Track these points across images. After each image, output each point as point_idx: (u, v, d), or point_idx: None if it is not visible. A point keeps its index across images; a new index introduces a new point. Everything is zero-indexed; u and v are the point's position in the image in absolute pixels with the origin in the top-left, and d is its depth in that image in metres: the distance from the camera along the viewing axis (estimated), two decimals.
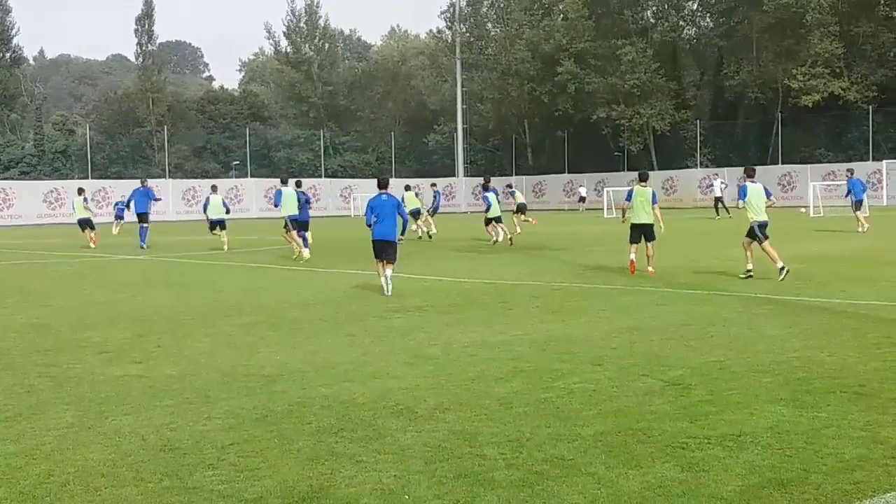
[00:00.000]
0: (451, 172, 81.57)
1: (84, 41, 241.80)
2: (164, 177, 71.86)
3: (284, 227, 25.05)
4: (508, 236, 28.90)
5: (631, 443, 6.37)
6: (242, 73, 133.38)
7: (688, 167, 71.02)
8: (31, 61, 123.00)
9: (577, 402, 7.56)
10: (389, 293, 15.54)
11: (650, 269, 17.94)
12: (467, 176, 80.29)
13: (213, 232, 29.56)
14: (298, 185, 27.33)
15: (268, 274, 20.75)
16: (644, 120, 71.47)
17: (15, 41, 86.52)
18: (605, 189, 58.63)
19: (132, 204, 32.53)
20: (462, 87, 79.25)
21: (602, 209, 57.56)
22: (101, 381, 8.83)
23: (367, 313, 13.31)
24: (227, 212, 29.77)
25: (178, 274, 21.23)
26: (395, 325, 12.07)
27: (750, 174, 17.77)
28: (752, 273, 16.80)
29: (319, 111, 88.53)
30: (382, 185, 17.15)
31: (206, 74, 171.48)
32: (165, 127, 78.38)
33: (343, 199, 73.21)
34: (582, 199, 70.97)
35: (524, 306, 13.81)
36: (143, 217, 31.80)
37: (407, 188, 36.28)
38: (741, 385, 8.09)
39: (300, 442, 6.53)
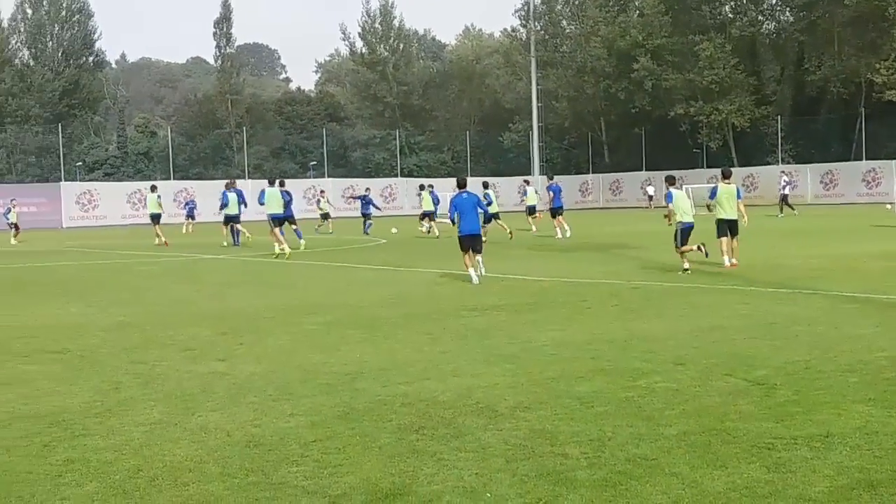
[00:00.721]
0: (527, 171, 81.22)
1: (164, 45, 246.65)
2: (244, 177, 72.84)
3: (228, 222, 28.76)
4: (508, 231, 30.59)
5: (715, 443, 6.28)
6: (319, 75, 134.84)
7: (768, 164, 69.83)
8: (114, 65, 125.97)
9: (659, 402, 7.48)
10: (483, 273, 17.81)
11: (734, 261, 18.67)
12: (543, 174, 79.99)
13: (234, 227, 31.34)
14: (282, 184, 28.25)
15: (347, 272, 20.93)
16: (723, 116, 70.48)
17: (97, 45, 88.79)
18: (684, 186, 57.94)
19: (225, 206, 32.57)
20: (537, 84, 78.93)
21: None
22: (186, 378, 8.99)
23: (446, 312, 13.35)
24: (287, 204, 29.00)
25: (258, 273, 21.53)
26: (473, 324, 12.08)
27: (726, 175, 19.93)
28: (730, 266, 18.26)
29: (395, 111, 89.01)
30: (461, 184, 18.87)
31: (283, 76, 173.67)
32: (244, 128, 79.49)
33: (419, 198, 73.43)
34: (650, 198, 70.59)
35: (603, 305, 13.71)
36: (234, 218, 32.14)
37: (421, 187, 37.74)
38: (827, 385, 7.93)
39: (382, 439, 6.58)
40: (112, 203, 62.68)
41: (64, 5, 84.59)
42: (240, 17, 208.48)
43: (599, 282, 17.00)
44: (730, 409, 7.18)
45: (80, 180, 70.44)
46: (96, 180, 72.28)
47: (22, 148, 79.64)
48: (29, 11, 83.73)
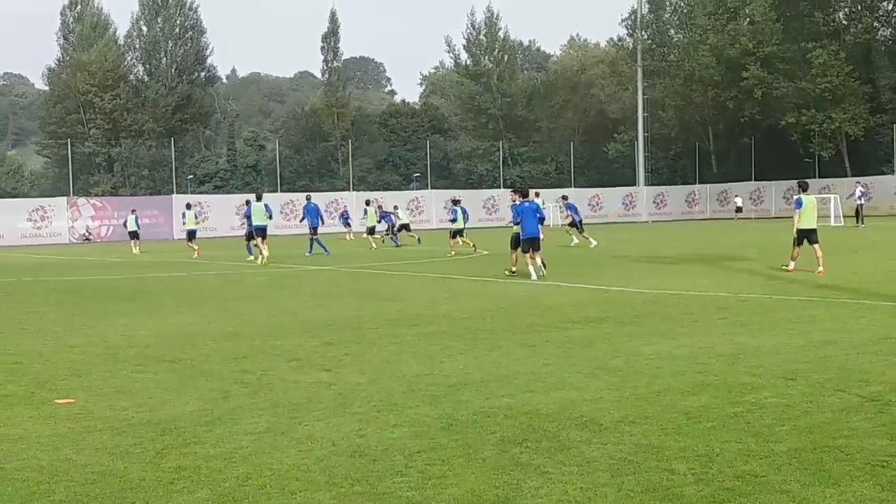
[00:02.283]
0: (632, 181, 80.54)
1: (273, 60, 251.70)
2: (349, 189, 73.82)
3: (250, 237, 31.13)
4: (472, 246, 31.47)
5: (827, 460, 6.11)
6: (423, 87, 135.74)
7: (884, 173, 67.78)
8: (224, 80, 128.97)
9: (768, 418, 7.31)
10: (544, 272, 20.94)
11: (820, 269, 19.69)
12: (648, 185, 79.12)
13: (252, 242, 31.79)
14: (259, 198, 31.53)
15: (448, 284, 21.00)
16: (836, 125, 68.65)
17: (209, 61, 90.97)
18: (795, 197, 56.63)
19: (306, 219, 35.51)
20: (643, 94, 78.20)
21: (791, 217, 55.54)
22: (292, 387, 9.13)
23: (548, 324, 13.28)
24: (270, 218, 31.49)
25: (362, 284, 21.76)
26: (576, 336, 12.00)
27: (805, 187, 22.25)
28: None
29: (498, 122, 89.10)
30: (524, 194, 22.66)
31: (388, 89, 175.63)
32: (349, 141, 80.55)
33: (365, 213, 73.18)
34: (738, 209, 69.71)
35: (710, 318, 13.47)
36: (314, 230, 34.88)
37: (367, 203, 39.44)
38: None
39: (485, 451, 6.57)
40: (221, 215, 64.11)
41: (177, 22, 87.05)
42: (347, 31, 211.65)
43: (706, 294, 16.70)
44: (842, 425, 6.98)
45: (191, 193, 72.29)
46: (206, 193, 74.08)
47: (136, 161, 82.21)
48: (144, 29, 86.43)
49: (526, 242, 21.18)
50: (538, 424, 7.30)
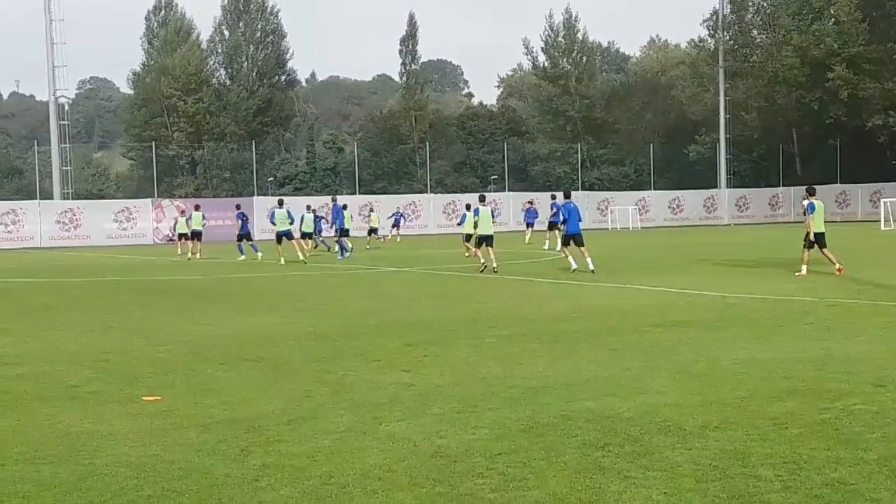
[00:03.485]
0: (713, 184, 79.42)
1: (352, 63, 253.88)
2: (426, 191, 74.09)
3: (278, 240, 32.51)
4: (466, 255, 29.58)
5: None
6: (500, 89, 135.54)
7: None
8: (304, 83, 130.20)
9: (858, 425, 7.14)
10: (593, 267, 23.07)
11: (838, 266, 20.87)
12: (730, 187, 77.97)
13: (280, 244, 32.60)
14: (281, 204, 34.68)
15: (526, 286, 20.94)
16: None
17: (289, 65, 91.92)
18: (882, 200, 55.36)
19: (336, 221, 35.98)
20: (725, 95, 77.08)
21: (879, 221, 54.31)
22: (373, 387, 9.18)
23: (629, 327, 13.16)
24: (292, 223, 33.73)
25: (439, 286, 21.81)
26: (658, 340, 11.86)
27: (812, 192, 22.86)
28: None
29: (577, 125, 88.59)
30: (567, 195, 26.22)
31: (465, 91, 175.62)
32: (427, 143, 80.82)
33: (600, 211, 72.85)
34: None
35: (796, 323, 13.21)
36: (345, 232, 35.50)
37: (308, 207, 40.87)
38: None
39: (567, 455, 6.53)
40: (300, 217, 64.71)
41: (258, 27, 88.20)
42: (425, 34, 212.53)
43: (792, 298, 16.40)
44: None
45: (272, 195, 73.26)
46: (286, 195, 75.02)
47: (218, 164, 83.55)
48: (226, 33, 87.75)
49: (569, 238, 24.66)
50: (620, 428, 7.23)
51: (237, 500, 5.70)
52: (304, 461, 6.50)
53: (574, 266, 23.71)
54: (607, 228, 68.00)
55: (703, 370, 9.65)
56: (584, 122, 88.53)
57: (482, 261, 25.91)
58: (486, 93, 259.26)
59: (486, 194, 34.66)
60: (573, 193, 30.87)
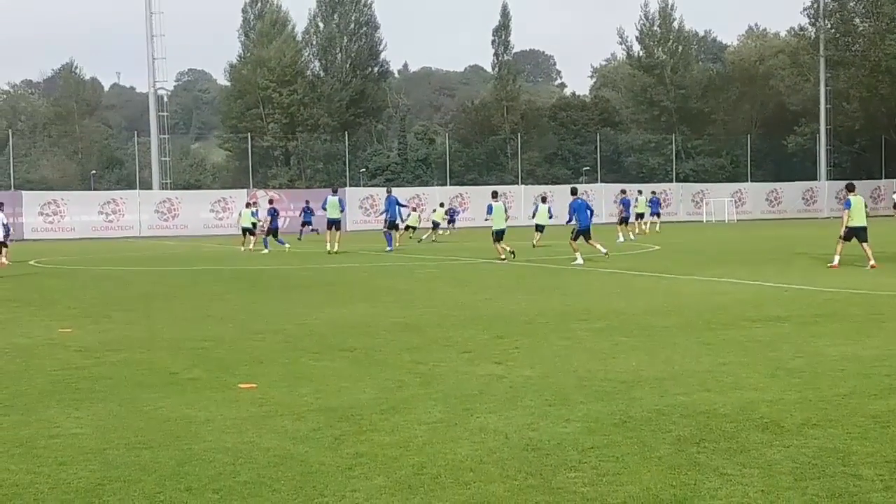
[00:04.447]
0: (813, 176, 77.67)
1: (444, 54, 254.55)
2: (517, 183, 73.90)
3: (329, 227, 33.17)
4: (503, 255, 27.84)
5: None
6: (594, 79, 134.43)
7: None
8: (396, 75, 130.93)
9: None
10: (605, 252, 25.73)
11: (872, 262, 21.31)
12: (830, 179, 76.09)
13: (326, 231, 33.40)
14: (335, 192, 35.71)
15: (618, 279, 20.74)
16: None
17: (382, 56, 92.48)
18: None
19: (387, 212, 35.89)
20: (826, 85, 75.22)
21: None
22: (464, 379, 9.20)
23: (724, 322, 12.93)
24: (342, 211, 34.17)
25: (530, 278, 21.74)
26: (755, 335, 11.63)
27: (851, 188, 23.96)
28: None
29: (671, 115, 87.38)
30: (574, 192, 27.57)
31: (558, 82, 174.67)
32: (518, 134, 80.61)
33: (695, 203, 71.82)
34: None
35: None
36: (394, 224, 35.42)
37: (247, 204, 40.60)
38: None
39: (661, 450, 6.44)
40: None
41: (353, 18, 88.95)
42: (517, 24, 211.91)
43: (893, 293, 15.93)
44: None
45: (364, 186, 73.88)
46: (378, 186, 75.59)
47: (311, 155, 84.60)
48: (321, 25, 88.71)
49: (580, 233, 25.84)
50: (716, 424, 7.11)
51: (331, 488, 5.76)
52: (397, 451, 6.54)
53: (580, 261, 24.66)
54: (702, 221, 66.97)
55: (801, 366, 9.44)
56: (678, 113, 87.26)
57: (501, 255, 27.23)
58: (578, 83, 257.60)
59: (496, 189, 35.57)
60: (594, 188, 30.82)
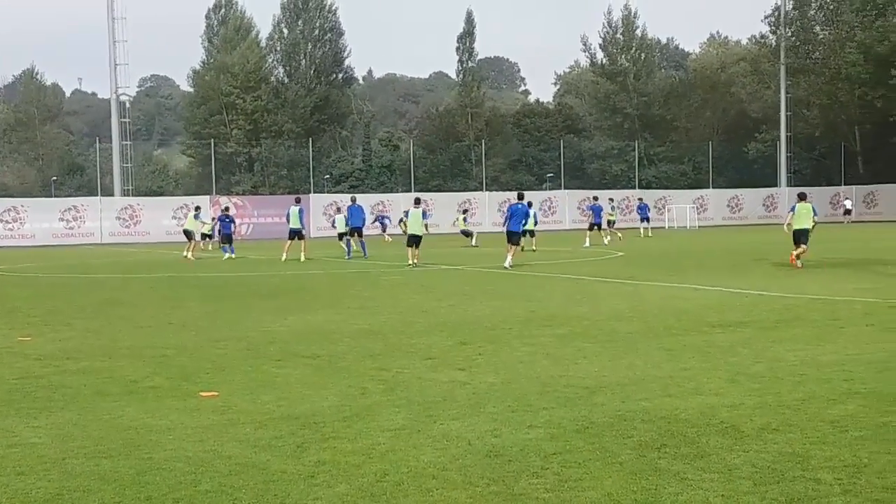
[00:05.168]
0: (773, 182, 78.40)
1: (409, 60, 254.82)
2: (482, 189, 74.02)
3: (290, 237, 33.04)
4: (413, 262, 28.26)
5: None
6: (557, 86, 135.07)
7: None
8: (361, 81, 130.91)
9: None
10: (510, 265, 25.69)
11: (798, 263, 23.44)
12: (790, 186, 76.85)
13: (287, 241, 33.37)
14: (353, 200, 35.77)
15: (581, 285, 20.83)
16: None
17: (347, 62, 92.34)
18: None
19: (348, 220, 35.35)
20: (787, 93, 76.01)
21: None
22: (427, 385, 9.20)
23: (685, 327, 13.03)
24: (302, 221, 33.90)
25: (492, 284, 21.77)
26: (715, 340, 11.73)
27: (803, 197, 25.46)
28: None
29: (634, 122, 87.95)
30: (520, 197, 28.37)
31: (522, 88, 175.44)
32: (483, 141, 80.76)
33: (657, 210, 72.26)
34: (847, 212, 67.84)
35: (857, 324, 12.98)
36: (358, 231, 34.46)
37: (198, 208, 40.51)
38: None
39: (622, 455, 6.48)
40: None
41: (317, 25, 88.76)
42: (482, 31, 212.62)
43: (852, 299, 16.12)
44: None
45: (328, 192, 73.67)
46: (342, 192, 75.42)
47: (275, 161, 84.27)
48: (285, 31, 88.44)
49: (509, 235, 26.89)
50: (677, 429, 7.16)
51: (293, 496, 5.74)
52: (360, 458, 6.53)
53: (509, 262, 25.88)
54: (664, 227, 67.38)
55: (761, 371, 9.53)
56: (641, 120, 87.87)
57: (410, 261, 27.77)
58: (542, 90, 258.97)
59: (419, 196, 36.13)
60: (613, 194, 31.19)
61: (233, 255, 35.67)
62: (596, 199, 46.58)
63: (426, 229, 33.31)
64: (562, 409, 7.95)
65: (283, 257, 32.35)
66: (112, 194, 66.56)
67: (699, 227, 67.98)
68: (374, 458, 6.55)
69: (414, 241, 28.46)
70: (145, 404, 8.53)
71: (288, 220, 33.93)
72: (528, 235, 35.10)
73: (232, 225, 38.21)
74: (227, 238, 36.96)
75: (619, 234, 45.44)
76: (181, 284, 23.70)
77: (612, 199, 52.34)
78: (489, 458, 6.50)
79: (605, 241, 41.52)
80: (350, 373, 10.01)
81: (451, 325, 13.93)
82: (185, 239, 37.82)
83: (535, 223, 37.11)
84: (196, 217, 38.73)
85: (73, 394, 9.10)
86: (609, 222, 45.61)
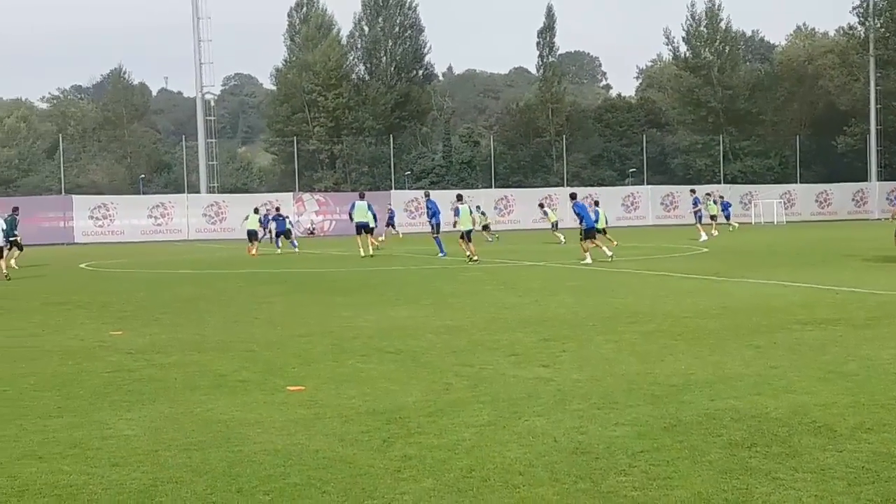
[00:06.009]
0: (863, 176, 76.63)
1: (489, 56, 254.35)
2: (562, 185, 73.64)
3: (357, 232, 32.96)
4: (472, 256, 28.78)
5: None
6: (639, 80, 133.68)
7: None
8: (441, 77, 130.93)
9: None
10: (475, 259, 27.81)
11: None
12: (881, 180, 75.00)
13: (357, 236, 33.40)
14: (362, 197, 34.72)
15: (666, 282, 20.59)
16: None
17: (427, 59, 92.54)
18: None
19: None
20: (876, 85, 74.14)
21: None
22: (512, 382, 9.17)
23: (775, 325, 12.78)
24: (375, 219, 34.01)
25: (577, 280, 21.64)
26: (806, 338, 11.48)
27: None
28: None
29: (719, 116, 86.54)
30: (573, 196, 28.58)
31: (603, 83, 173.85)
32: (564, 136, 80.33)
33: (743, 205, 71.13)
34: None
35: None
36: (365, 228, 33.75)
37: (256, 210, 41.08)
38: None
39: (712, 454, 6.38)
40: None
41: (397, 21, 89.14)
42: (562, 25, 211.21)
43: None
44: None
45: (408, 188, 74.03)
46: (423, 188, 75.70)
47: (357, 158, 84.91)
48: (366, 28, 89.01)
49: (588, 231, 27.09)
50: (767, 428, 7.03)
51: (380, 490, 5.77)
52: (445, 453, 6.55)
53: (589, 260, 26.23)
54: (751, 222, 66.30)
55: (853, 370, 9.31)
56: (726, 114, 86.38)
57: (470, 254, 28.67)
58: (624, 84, 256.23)
59: (460, 193, 36.50)
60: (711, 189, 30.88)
61: (296, 249, 37.71)
62: (693, 191, 46.64)
63: (475, 224, 34.48)
64: (649, 407, 7.86)
65: (362, 253, 31.95)
66: (198, 191, 67.88)
67: (786, 222, 66.75)
68: (460, 453, 6.55)
69: (466, 235, 29.39)
70: (234, 398, 8.67)
71: (351, 217, 33.83)
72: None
73: (287, 221, 40.60)
74: (286, 234, 39.57)
75: (716, 231, 44.98)
76: (266, 280, 24.04)
77: (709, 194, 51.90)
78: (575, 455, 6.45)
79: (714, 234, 41.97)
80: (434, 368, 10.03)
81: (534, 321, 13.88)
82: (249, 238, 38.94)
83: (606, 221, 36.97)
84: (262, 221, 40.71)
85: (165, 387, 9.28)
86: (711, 216, 45.42)
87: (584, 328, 12.95)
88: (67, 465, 6.46)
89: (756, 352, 10.59)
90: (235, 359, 10.92)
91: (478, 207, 49.34)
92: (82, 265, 32.21)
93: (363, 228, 32.89)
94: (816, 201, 73.89)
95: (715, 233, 43.11)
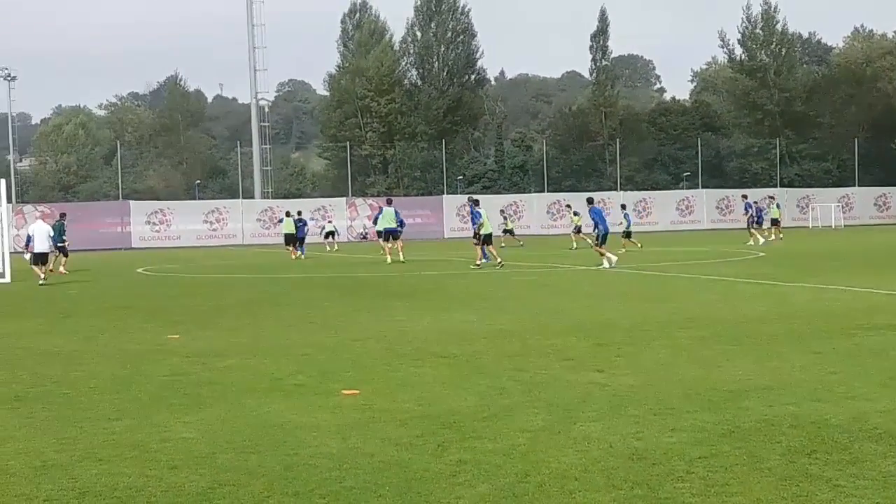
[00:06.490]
0: None
1: (541, 60, 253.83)
2: (616, 189, 73.21)
3: (384, 238, 32.87)
4: (498, 261, 28.76)
5: None
6: (694, 83, 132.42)
7: None
8: (493, 82, 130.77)
9: None
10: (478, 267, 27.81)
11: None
12: None
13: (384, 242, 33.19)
14: (389, 203, 35.07)
15: (722, 286, 20.37)
16: None
17: (479, 64, 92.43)
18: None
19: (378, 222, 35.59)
20: None
21: None
22: (566, 387, 9.13)
23: (834, 330, 12.59)
24: (402, 224, 33.63)
25: (630, 285, 21.50)
26: (866, 343, 11.30)
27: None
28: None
29: (775, 119, 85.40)
30: (591, 201, 29.66)
31: (657, 86, 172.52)
32: (617, 140, 79.84)
33: (800, 209, 70.18)
34: None
35: None
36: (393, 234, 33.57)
37: (288, 213, 41.33)
38: None
39: (771, 461, 6.30)
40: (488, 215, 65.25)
41: (450, 27, 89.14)
42: (615, 29, 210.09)
43: None
44: None
45: (461, 193, 74.06)
46: (475, 193, 75.66)
47: (409, 163, 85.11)
48: (418, 34, 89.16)
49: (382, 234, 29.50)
50: (827, 435, 6.92)
51: (435, 495, 5.77)
52: (500, 458, 6.53)
53: (606, 265, 26.15)
54: (808, 226, 65.38)
55: None
56: (782, 117, 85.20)
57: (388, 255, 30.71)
58: (678, 87, 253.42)
59: (477, 198, 36.25)
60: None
61: (302, 256, 38.00)
62: (745, 197, 46.05)
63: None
64: (706, 413, 7.78)
65: (390, 259, 31.62)
66: (253, 196, 68.51)
67: (845, 226, 65.72)
68: (515, 458, 6.53)
69: (487, 239, 29.67)
70: (290, 401, 8.72)
71: (375, 222, 34.18)
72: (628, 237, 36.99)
73: (305, 228, 40.99)
74: (299, 240, 39.73)
75: (781, 234, 44.37)
76: (319, 285, 24.19)
77: (772, 198, 51.41)
78: (632, 460, 6.40)
79: (771, 237, 41.98)
80: (488, 373, 10.01)
81: (588, 326, 13.81)
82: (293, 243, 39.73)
83: (629, 223, 38.48)
84: (298, 224, 40.83)
85: (221, 390, 9.37)
86: (773, 220, 45.04)
87: (638, 333, 12.85)
88: (127, 468, 6.54)
89: (815, 357, 10.44)
90: (291, 363, 10.99)
91: (501, 212, 49.68)
92: (139, 270, 32.66)
93: (391, 234, 32.80)
94: (875, 204, 72.66)
95: (781, 236, 42.62)
